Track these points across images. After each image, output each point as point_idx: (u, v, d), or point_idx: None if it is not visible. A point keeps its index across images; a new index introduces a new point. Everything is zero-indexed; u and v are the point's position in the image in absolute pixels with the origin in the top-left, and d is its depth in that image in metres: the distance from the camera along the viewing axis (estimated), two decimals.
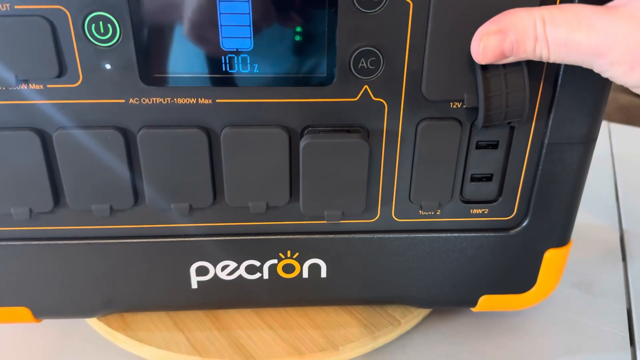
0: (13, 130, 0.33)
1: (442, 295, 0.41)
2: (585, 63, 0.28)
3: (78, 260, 0.37)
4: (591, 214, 0.57)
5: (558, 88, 0.33)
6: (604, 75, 0.28)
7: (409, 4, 0.30)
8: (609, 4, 0.28)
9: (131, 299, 0.39)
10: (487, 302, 0.41)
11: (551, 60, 0.29)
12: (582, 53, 0.28)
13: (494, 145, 0.35)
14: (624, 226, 0.57)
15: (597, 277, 0.50)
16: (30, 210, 0.35)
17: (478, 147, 0.35)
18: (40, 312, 0.40)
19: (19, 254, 0.37)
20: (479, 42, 0.30)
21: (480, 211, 0.37)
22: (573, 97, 0.33)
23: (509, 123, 0.32)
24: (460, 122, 0.33)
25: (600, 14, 0.27)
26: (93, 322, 0.42)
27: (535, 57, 0.29)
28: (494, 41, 0.29)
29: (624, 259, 0.52)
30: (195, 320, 0.42)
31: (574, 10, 0.28)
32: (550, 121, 0.34)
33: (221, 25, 0.30)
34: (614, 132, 0.77)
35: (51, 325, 0.43)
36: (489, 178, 0.36)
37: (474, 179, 0.36)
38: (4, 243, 0.36)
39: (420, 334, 0.43)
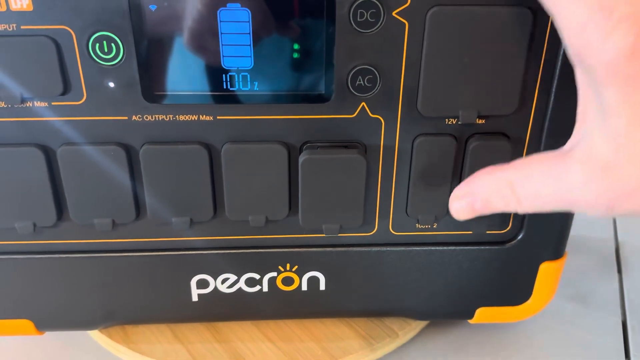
0: (18, 147, 0.33)
1: (440, 307, 0.41)
2: (563, 210, 0.28)
3: (80, 274, 0.38)
4: (586, 226, 0.58)
5: (552, 102, 0.33)
6: (589, 215, 0.27)
7: (404, 23, 0.31)
8: (562, 150, 0.28)
9: (133, 311, 0.40)
10: (483, 314, 0.42)
11: (529, 212, 0.30)
12: (554, 204, 0.28)
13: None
14: (619, 238, 0.57)
15: (592, 289, 0.50)
16: (34, 225, 0.36)
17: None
18: (43, 324, 0.40)
19: (22, 268, 0.37)
20: (451, 205, 0.32)
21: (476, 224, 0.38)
22: (567, 110, 0.34)
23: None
24: (455, 137, 0.34)
25: (559, 164, 0.27)
26: (94, 334, 0.43)
27: (507, 211, 0.30)
28: (464, 204, 0.32)
29: (619, 270, 0.53)
30: (196, 333, 0.42)
31: (535, 167, 0.28)
32: (544, 135, 0.35)
33: (222, 45, 0.31)
34: None
35: (53, 337, 0.44)
36: None
37: None
38: (7, 257, 0.37)
39: (418, 345, 0.44)
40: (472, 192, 0.31)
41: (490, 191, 0.30)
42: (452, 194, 0.33)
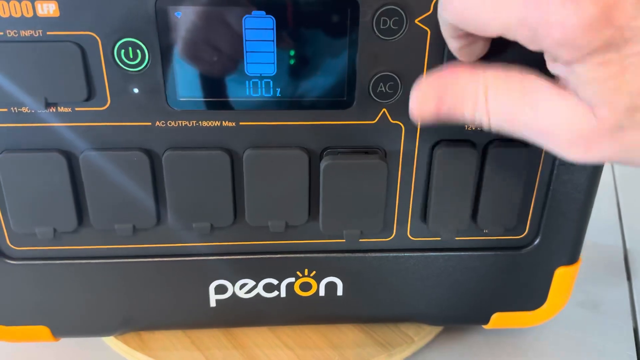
0: (40, 152, 0.33)
1: (456, 312, 0.41)
2: (532, 140, 0.26)
3: (99, 279, 0.38)
4: (594, 234, 0.58)
5: None
6: (558, 156, 0.26)
7: (426, 31, 0.31)
8: (550, 80, 0.26)
9: (150, 317, 0.40)
10: (499, 320, 0.42)
11: (492, 130, 0.27)
12: (525, 131, 0.26)
13: None
14: (627, 245, 0.58)
15: (603, 296, 0.51)
16: (54, 230, 0.36)
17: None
18: (60, 331, 0.40)
19: (42, 273, 0.37)
20: (413, 100, 0.29)
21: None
22: None
23: None
24: (474, 144, 0.35)
25: (549, 91, 0.25)
26: (110, 341, 0.43)
27: (472, 123, 0.27)
28: (430, 105, 0.28)
29: (628, 278, 0.53)
30: (213, 339, 0.42)
31: (522, 81, 0.26)
32: None
33: (246, 52, 0.31)
34: None
35: (68, 344, 0.44)
36: None
37: None
38: (27, 262, 0.37)
39: (433, 351, 0.44)
40: (442, 92, 0.28)
41: (462, 94, 0.27)
42: (418, 84, 0.29)
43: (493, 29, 0.24)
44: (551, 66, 0.25)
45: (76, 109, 0.33)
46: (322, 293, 0.40)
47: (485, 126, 0.27)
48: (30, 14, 0.30)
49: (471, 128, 0.34)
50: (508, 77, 0.26)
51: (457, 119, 0.28)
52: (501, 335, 0.46)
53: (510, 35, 0.24)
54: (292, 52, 0.32)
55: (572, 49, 0.23)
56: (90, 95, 0.32)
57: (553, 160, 0.36)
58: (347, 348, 0.41)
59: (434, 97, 0.28)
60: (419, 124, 0.34)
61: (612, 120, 0.24)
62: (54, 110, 0.32)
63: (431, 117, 0.29)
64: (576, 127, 0.24)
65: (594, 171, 0.36)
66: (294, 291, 0.40)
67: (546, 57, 0.25)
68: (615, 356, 0.44)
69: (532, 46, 0.24)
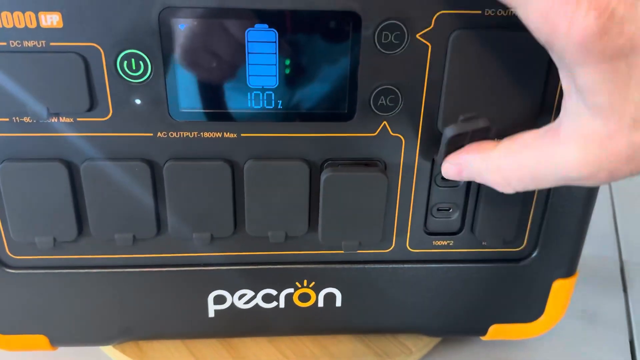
0: (41, 162, 0.33)
1: (454, 324, 0.42)
2: (559, 185, 0.28)
3: (98, 289, 0.38)
4: (590, 245, 0.58)
5: None
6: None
7: (427, 45, 0.32)
8: (551, 128, 0.28)
9: (149, 327, 0.40)
10: (496, 331, 0.42)
11: (518, 190, 0.30)
12: (550, 183, 0.28)
13: None
14: (623, 257, 0.58)
15: (599, 308, 0.51)
16: (54, 239, 0.36)
17: None
18: (58, 340, 0.40)
19: (41, 282, 0.37)
20: (444, 166, 0.33)
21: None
22: None
23: None
24: None
25: (550, 146, 0.27)
26: (107, 349, 0.43)
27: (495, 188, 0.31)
28: (453, 171, 0.33)
29: (624, 290, 0.54)
30: (211, 349, 0.42)
31: (526, 152, 0.29)
32: None
33: (248, 64, 0.32)
34: None
35: (65, 353, 0.43)
36: None
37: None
38: (26, 271, 0.37)
39: None
40: (462, 164, 0.32)
41: (479, 170, 0.31)
42: (447, 157, 0.33)
43: (519, 12, 0.25)
44: (562, 74, 0.26)
45: (78, 119, 0.33)
46: (320, 304, 0.40)
47: (511, 191, 0.30)
48: (34, 25, 0.30)
49: None
50: (514, 154, 0.29)
51: (481, 182, 0.32)
52: (498, 346, 0.46)
53: (529, 25, 0.25)
54: (294, 65, 0.32)
55: (587, 52, 0.23)
56: (93, 105, 0.32)
57: None
58: (345, 359, 0.41)
59: (456, 167, 0.32)
60: (419, 137, 0.34)
61: (622, 130, 0.24)
62: (56, 120, 0.33)
63: (457, 178, 0.33)
64: (593, 165, 0.26)
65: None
66: (293, 302, 0.40)
67: (555, 59, 0.26)
68: None
69: (544, 38, 0.25)
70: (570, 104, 0.27)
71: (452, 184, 0.36)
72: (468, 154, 0.32)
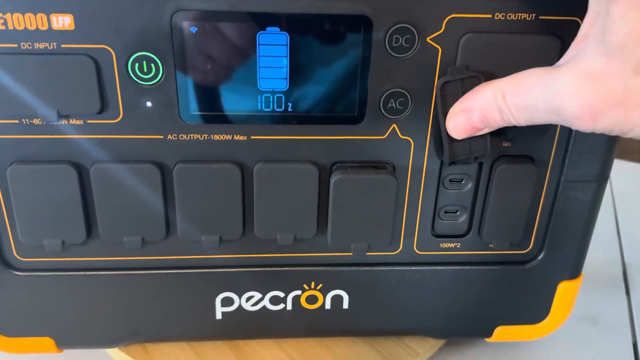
0: (51, 164, 0.33)
1: (460, 326, 0.42)
2: (552, 121, 0.29)
3: (106, 291, 0.38)
4: (593, 248, 0.59)
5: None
6: (574, 128, 0.28)
7: (437, 49, 0.32)
8: (556, 64, 0.29)
9: (156, 329, 0.40)
10: (502, 333, 0.42)
11: (522, 124, 0.30)
12: (543, 113, 0.28)
13: None
14: (626, 260, 0.58)
15: (602, 311, 0.51)
16: (63, 242, 0.36)
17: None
18: (64, 342, 0.40)
19: (47, 285, 0.37)
20: (448, 123, 0.33)
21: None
22: (587, 136, 0.35)
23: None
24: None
25: (550, 74, 0.28)
26: (113, 352, 0.43)
27: (506, 123, 0.31)
28: (460, 120, 0.32)
29: (627, 292, 0.54)
30: (217, 351, 0.42)
31: (527, 76, 0.29)
32: (566, 160, 0.36)
33: (259, 67, 0.32)
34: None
35: (71, 355, 0.43)
36: None
37: None
38: (33, 274, 0.37)
39: None
40: (469, 107, 0.31)
41: (486, 103, 0.30)
42: (448, 113, 0.32)
43: None
44: (591, 15, 0.28)
45: (88, 121, 0.33)
46: (328, 306, 0.40)
47: (515, 123, 0.30)
48: (45, 27, 0.30)
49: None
50: (516, 77, 0.30)
51: (493, 125, 0.31)
52: (503, 348, 0.46)
53: None
54: (304, 68, 0.32)
55: None
56: (103, 108, 0.32)
57: (558, 177, 0.36)
58: None
59: (462, 113, 0.32)
60: (428, 140, 0.35)
61: (623, 71, 0.25)
62: (66, 122, 0.32)
63: (467, 131, 0.32)
64: (581, 97, 0.26)
65: (598, 188, 0.37)
66: (300, 304, 0.40)
67: None
68: None
69: None
70: (580, 46, 0.28)
71: (460, 187, 0.36)
72: (471, 92, 0.31)
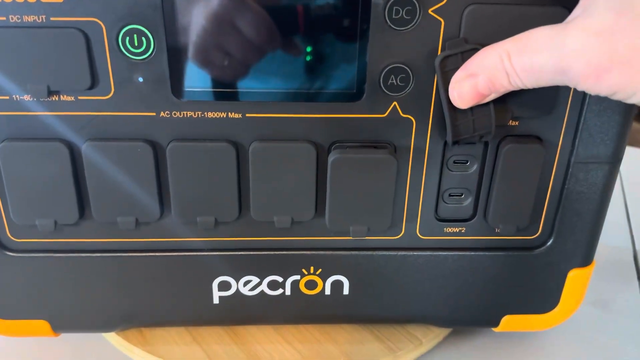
0: (42, 141, 0.33)
1: (465, 314, 0.40)
2: (558, 82, 0.28)
3: (100, 274, 0.37)
4: (603, 234, 0.57)
5: (585, 107, 0.33)
6: (579, 89, 0.27)
7: (440, 21, 0.30)
8: (564, 22, 0.28)
9: (152, 313, 0.39)
10: (509, 322, 0.41)
11: (529, 87, 0.29)
12: (549, 73, 0.27)
13: None
14: (637, 246, 0.57)
15: (614, 296, 0.50)
16: (55, 222, 0.35)
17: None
18: (60, 326, 0.39)
19: (42, 267, 0.37)
20: (452, 91, 0.31)
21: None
22: (600, 115, 0.33)
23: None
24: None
25: (556, 32, 0.27)
26: (110, 337, 0.42)
27: (513, 87, 0.29)
28: (466, 86, 0.30)
29: (639, 277, 0.52)
30: (214, 335, 0.41)
31: (532, 35, 0.28)
32: (577, 140, 0.34)
33: None
34: None
35: (67, 339, 0.43)
36: None
37: None
38: (27, 255, 0.36)
39: (441, 354, 0.43)
40: (474, 72, 0.30)
41: (491, 65, 0.29)
42: (452, 80, 0.31)
43: None
44: None
45: (79, 97, 0.32)
46: (327, 292, 0.39)
47: (522, 86, 0.29)
48: None
49: None
50: (521, 37, 0.28)
51: (500, 90, 0.30)
52: (511, 338, 0.45)
53: None
54: (300, 42, 0.31)
55: None
56: (94, 83, 0.31)
57: (568, 158, 0.35)
58: (350, 345, 0.40)
59: (467, 79, 0.30)
60: (430, 118, 0.33)
61: (632, 27, 0.25)
62: (56, 98, 0.32)
63: (474, 98, 0.30)
64: (587, 55, 0.26)
65: (610, 170, 0.35)
66: (299, 289, 0.39)
67: None
68: (626, 356, 0.43)
69: None
70: (589, 2, 0.27)
71: (465, 169, 0.35)
72: (475, 55, 0.30)
